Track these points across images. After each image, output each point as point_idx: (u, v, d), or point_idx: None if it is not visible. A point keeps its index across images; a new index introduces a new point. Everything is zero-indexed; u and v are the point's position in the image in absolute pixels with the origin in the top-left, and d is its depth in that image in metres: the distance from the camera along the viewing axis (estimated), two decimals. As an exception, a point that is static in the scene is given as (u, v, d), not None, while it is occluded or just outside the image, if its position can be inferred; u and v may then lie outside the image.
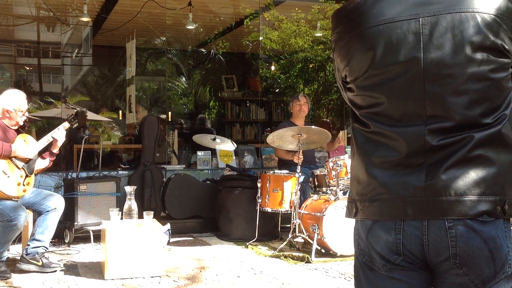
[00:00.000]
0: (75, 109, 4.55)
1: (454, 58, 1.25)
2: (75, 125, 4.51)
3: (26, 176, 4.14)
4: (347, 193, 5.08)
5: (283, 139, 5.07)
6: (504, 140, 1.26)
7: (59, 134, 4.33)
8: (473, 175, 1.24)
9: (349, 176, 4.92)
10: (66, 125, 4.40)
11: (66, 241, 5.14)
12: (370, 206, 1.35)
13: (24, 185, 4.12)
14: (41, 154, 4.36)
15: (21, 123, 4.30)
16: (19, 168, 4.10)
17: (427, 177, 1.26)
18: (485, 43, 1.24)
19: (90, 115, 9.44)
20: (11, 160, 4.07)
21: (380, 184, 1.32)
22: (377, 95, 1.33)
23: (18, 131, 4.32)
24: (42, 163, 4.35)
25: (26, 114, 4.32)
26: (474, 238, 1.23)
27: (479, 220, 1.23)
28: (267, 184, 5.04)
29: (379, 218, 1.33)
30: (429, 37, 1.26)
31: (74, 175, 5.40)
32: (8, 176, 4.02)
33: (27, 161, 4.16)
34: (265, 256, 4.73)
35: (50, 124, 9.09)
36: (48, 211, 4.19)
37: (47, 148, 4.41)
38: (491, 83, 1.25)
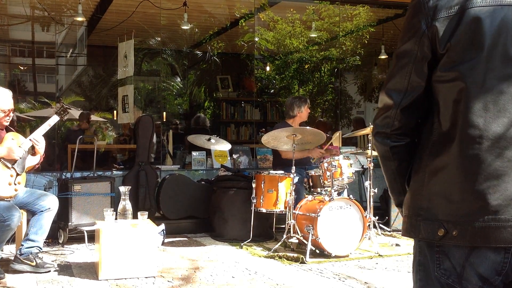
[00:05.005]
0: (70, 109, 4.51)
1: None
2: (65, 117, 4.44)
3: (17, 175, 4.08)
4: (342, 194, 5.13)
5: (278, 140, 5.07)
6: None
7: (39, 139, 4.16)
8: None
9: (343, 176, 4.94)
10: (55, 117, 4.30)
11: (60, 241, 5.12)
12: (477, 232, 1.21)
13: (15, 184, 4.06)
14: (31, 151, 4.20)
15: (6, 124, 4.13)
16: (8, 168, 4.03)
17: None
18: None
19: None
20: (0, 161, 4.03)
21: (491, 206, 1.19)
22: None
23: (8, 129, 4.19)
24: (33, 160, 4.24)
25: (11, 114, 4.15)
26: None
27: None
28: (262, 185, 5.03)
29: (486, 245, 1.21)
30: None
31: (68, 175, 5.38)
32: None
33: (15, 161, 4.06)
34: (260, 256, 4.73)
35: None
36: (42, 211, 4.16)
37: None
38: None
